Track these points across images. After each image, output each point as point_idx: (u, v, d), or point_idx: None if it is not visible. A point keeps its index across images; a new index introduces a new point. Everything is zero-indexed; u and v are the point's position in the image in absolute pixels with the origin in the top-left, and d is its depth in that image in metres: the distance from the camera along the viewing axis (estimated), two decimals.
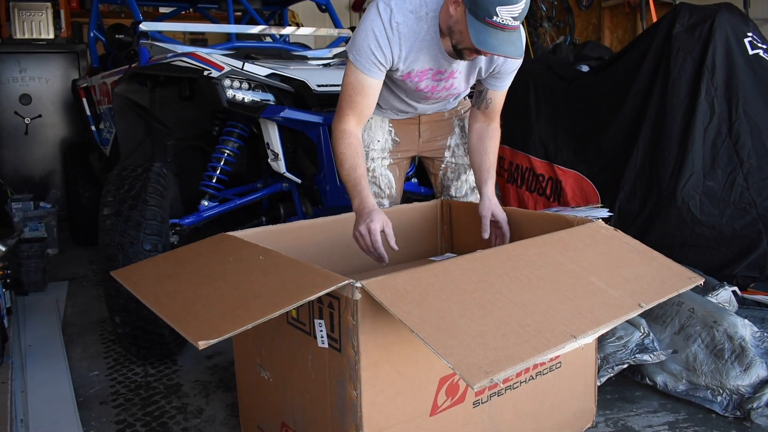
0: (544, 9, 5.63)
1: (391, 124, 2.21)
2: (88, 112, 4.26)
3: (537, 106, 3.60)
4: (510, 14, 1.56)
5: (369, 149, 2.19)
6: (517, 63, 1.93)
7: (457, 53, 1.78)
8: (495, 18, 1.56)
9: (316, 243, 1.95)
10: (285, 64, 2.88)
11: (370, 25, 1.77)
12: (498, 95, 2.03)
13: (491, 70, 1.96)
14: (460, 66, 1.92)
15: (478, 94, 2.07)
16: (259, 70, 2.66)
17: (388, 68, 1.84)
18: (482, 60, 1.92)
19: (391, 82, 1.97)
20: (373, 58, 1.78)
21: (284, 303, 1.23)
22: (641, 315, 2.06)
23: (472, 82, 2.04)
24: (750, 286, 2.67)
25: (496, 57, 1.88)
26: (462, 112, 2.31)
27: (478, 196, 2.36)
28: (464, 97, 2.29)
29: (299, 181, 2.79)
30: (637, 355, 2.02)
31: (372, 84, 1.83)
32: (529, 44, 4.34)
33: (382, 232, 1.70)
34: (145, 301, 1.44)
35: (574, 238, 1.66)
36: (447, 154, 2.31)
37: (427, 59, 1.85)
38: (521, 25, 1.67)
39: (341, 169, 1.83)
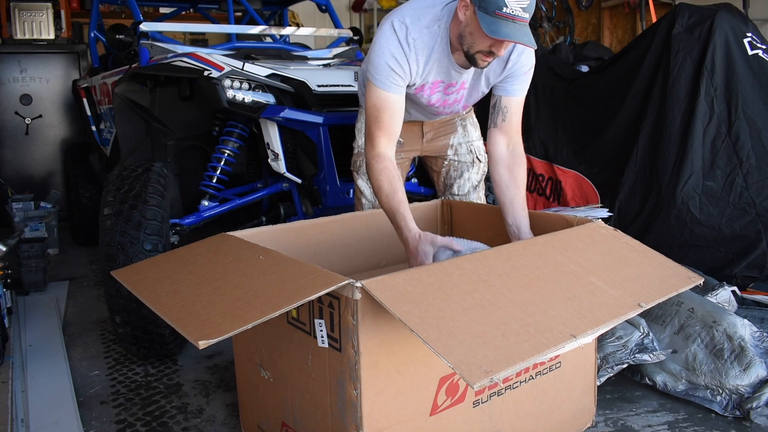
0: (544, 9, 5.64)
1: None
2: (89, 113, 4.26)
3: (537, 107, 3.60)
4: (519, 4, 1.59)
5: None
6: (529, 62, 1.91)
7: (470, 60, 1.78)
8: (505, 9, 1.59)
9: (316, 243, 1.96)
10: (285, 65, 2.88)
11: (386, 44, 1.79)
12: (513, 103, 1.94)
13: (502, 76, 1.92)
14: (469, 77, 1.93)
15: (492, 109, 1.97)
16: (259, 70, 2.67)
17: (407, 83, 1.84)
18: (491, 66, 1.89)
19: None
20: (392, 74, 1.79)
21: (284, 303, 1.23)
22: (641, 315, 2.06)
23: (479, 96, 2.03)
24: (749, 286, 2.68)
25: (506, 62, 1.88)
26: (464, 112, 2.32)
27: (480, 195, 2.37)
28: None
29: (299, 181, 2.79)
30: (636, 355, 2.03)
31: (396, 100, 1.82)
32: None
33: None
34: (145, 301, 1.45)
35: (574, 238, 1.66)
36: (450, 152, 2.32)
37: (439, 71, 1.87)
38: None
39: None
